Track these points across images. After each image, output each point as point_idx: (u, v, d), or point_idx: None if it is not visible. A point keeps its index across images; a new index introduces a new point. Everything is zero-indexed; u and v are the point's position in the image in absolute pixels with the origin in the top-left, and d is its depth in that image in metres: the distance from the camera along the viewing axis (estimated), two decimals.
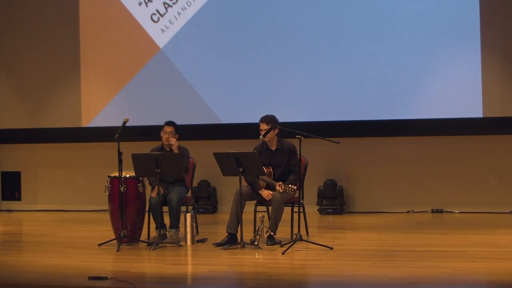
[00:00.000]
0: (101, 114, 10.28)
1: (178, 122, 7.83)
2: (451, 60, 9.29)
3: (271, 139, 7.22)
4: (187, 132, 8.80)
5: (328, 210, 9.47)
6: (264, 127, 7.14)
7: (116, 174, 7.09)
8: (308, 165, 7.57)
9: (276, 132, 7.19)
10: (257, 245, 6.79)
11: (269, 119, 7.15)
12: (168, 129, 7.62)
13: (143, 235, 7.37)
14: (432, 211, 9.41)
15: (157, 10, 10.10)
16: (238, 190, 6.93)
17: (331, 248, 6.63)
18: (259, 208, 7.30)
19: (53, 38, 10.48)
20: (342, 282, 5.49)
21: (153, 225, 7.42)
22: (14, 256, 6.88)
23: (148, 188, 7.48)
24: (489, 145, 9.38)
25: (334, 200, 9.50)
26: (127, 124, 7.20)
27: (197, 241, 7.22)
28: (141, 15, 10.16)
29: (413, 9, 9.39)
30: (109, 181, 7.18)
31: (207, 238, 7.36)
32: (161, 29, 10.08)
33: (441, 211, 9.39)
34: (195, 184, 8.79)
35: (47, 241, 7.73)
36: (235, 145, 8.58)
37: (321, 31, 9.61)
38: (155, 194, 7.27)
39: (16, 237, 8.47)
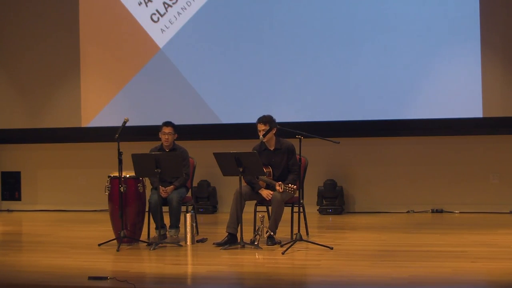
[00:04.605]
0: (101, 114, 10.27)
1: (178, 122, 7.83)
2: (451, 60, 9.28)
3: (269, 139, 7.21)
4: (187, 132, 8.79)
5: (328, 210, 9.47)
6: (262, 127, 7.13)
7: (116, 174, 7.09)
8: (308, 165, 7.56)
9: (274, 132, 7.20)
10: (257, 245, 6.79)
11: (267, 120, 7.14)
12: (166, 129, 7.60)
13: (143, 235, 7.37)
14: (432, 211, 9.40)
15: (157, 10, 10.10)
16: (238, 190, 6.93)
17: (331, 248, 6.63)
18: (259, 208, 7.30)
19: (53, 38, 10.47)
20: (342, 282, 5.50)
21: (153, 225, 7.42)
22: (14, 256, 6.88)
23: (148, 188, 7.47)
24: (489, 145, 9.37)
25: (334, 200, 9.49)
26: (127, 124, 7.20)
27: (197, 241, 7.22)
28: (141, 15, 10.15)
29: (413, 8, 9.38)
30: (109, 181, 7.17)
31: (207, 238, 7.35)
32: (161, 29, 10.08)
33: (441, 211, 9.38)
34: (195, 184, 8.78)
35: (47, 241, 7.73)
36: (235, 145, 8.57)
37: (321, 31, 9.60)
38: (163, 192, 7.30)
39: (16, 237, 8.47)
